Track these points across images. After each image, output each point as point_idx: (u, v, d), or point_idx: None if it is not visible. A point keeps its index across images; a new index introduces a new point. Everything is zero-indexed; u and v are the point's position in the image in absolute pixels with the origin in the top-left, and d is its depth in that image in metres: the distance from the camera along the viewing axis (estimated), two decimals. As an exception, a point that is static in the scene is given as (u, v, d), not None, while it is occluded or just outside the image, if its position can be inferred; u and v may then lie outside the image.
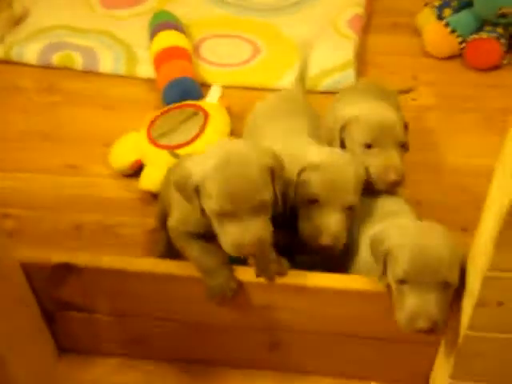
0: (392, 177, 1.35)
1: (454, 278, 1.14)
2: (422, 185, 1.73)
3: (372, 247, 1.22)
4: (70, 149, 1.91)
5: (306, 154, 1.30)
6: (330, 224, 1.24)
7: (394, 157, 1.37)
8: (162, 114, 1.84)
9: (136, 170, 1.80)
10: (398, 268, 1.15)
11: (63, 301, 1.38)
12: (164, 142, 1.76)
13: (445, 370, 1.28)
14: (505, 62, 2.12)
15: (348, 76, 2.04)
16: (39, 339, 1.35)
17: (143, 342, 1.46)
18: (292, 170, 1.27)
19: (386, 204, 1.36)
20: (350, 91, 1.66)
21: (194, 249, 1.27)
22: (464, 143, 1.89)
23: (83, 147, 1.92)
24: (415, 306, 1.13)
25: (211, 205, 1.12)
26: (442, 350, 1.31)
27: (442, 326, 1.14)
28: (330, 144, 1.42)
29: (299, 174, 1.27)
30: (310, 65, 1.82)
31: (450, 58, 2.20)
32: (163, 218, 1.43)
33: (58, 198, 1.78)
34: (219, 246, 1.18)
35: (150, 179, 1.72)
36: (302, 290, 1.28)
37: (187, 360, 1.48)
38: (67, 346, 1.47)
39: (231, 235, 1.12)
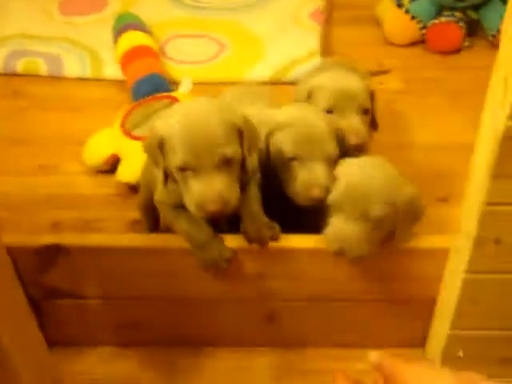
0: (353, 140, 1.35)
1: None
2: (394, 163, 1.75)
3: None
4: (41, 150, 1.88)
5: (274, 116, 1.30)
6: (317, 176, 1.23)
7: (354, 121, 1.37)
8: (134, 107, 1.82)
9: (111, 166, 1.77)
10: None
11: (51, 287, 1.34)
12: (139, 132, 1.74)
13: (444, 322, 1.28)
14: (465, 44, 2.17)
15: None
16: (30, 330, 1.31)
17: (134, 327, 1.43)
18: (261, 134, 1.26)
19: None
20: (318, 66, 1.69)
21: (182, 222, 1.25)
22: (432, 122, 1.93)
23: (55, 148, 1.88)
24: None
25: (174, 160, 1.11)
26: (440, 300, 1.31)
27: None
28: None
29: (268, 136, 1.27)
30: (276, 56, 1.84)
31: (413, 44, 2.24)
32: (149, 203, 1.41)
33: (34, 199, 1.73)
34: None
35: (128, 171, 1.70)
36: (293, 253, 1.27)
37: (181, 343, 1.45)
38: (55, 338, 1.41)
39: (193, 193, 1.11)
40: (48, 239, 1.29)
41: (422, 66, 2.16)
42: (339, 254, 1.20)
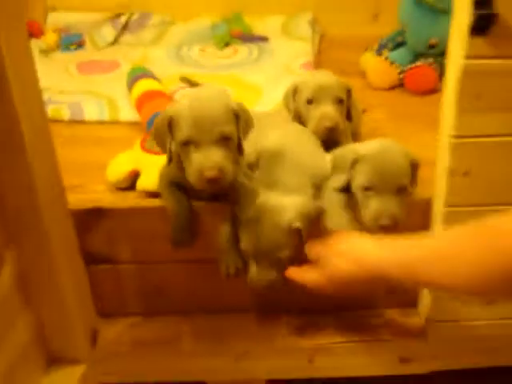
0: (326, 124, 1.61)
1: (407, 181, 1.42)
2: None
3: (336, 161, 1.45)
4: (66, 174, 2.08)
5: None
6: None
7: (328, 108, 1.66)
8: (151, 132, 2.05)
9: (131, 183, 1.97)
10: (364, 177, 1.40)
11: (89, 252, 1.52)
12: (158, 148, 1.96)
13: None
14: (440, 85, 2.46)
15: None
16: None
17: (163, 293, 1.58)
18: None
19: None
20: None
21: (169, 197, 1.49)
22: (410, 141, 2.15)
23: (79, 171, 2.09)
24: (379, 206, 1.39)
25: (180, 135, 1.34)
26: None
27: (401, 223, 1.39)
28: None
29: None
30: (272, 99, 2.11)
31: (393, 88, 2.53)
32: None
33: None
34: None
35: (147, 180, 1.89)
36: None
37: (210, 310, 1.61)
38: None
39: (194, 163, 1.33)
40: (87, 203, 1.48)
41: (401, 104, 2.43)
42: (388, 229, 1.38)
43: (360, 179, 1.44)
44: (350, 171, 1.46)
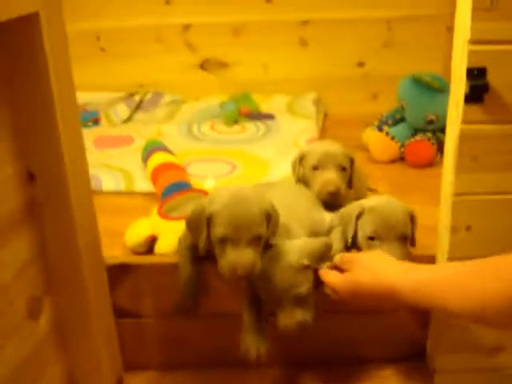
0: (329, 188, 1.76)
1: (408, 231, 1.55)
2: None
3: (343, 215, 1.60)
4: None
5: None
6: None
7: (332, 175, 1.79)
8: (169, 198, 2.18)
9: (148, 248, 2.07)
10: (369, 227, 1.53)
11: (114, 306, 1.61)
12: (175, 215, 2.07)
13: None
14: (438, 158, 2.61)
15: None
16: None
17: (183, 346, 1.66)
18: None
19: None
20: None
21: (183, 263, 1.62)
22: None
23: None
24: None
25: (218, 231, 1.47)
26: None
27: None
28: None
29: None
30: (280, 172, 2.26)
31: (394, 161, 2.67)
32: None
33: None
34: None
35: (165, 244, 2.00)
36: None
37: (229, 363, 1.68)
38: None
39: (229, 258, 1.45)
40: (114, 260, 1.58)
41: (402, 176, 2.57)
42: None
43: (365, 229, 1.56)
44: (355, 223, 1.58)
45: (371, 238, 1.55)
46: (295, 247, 1.51)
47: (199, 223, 1.51)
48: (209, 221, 1.49)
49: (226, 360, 1.69)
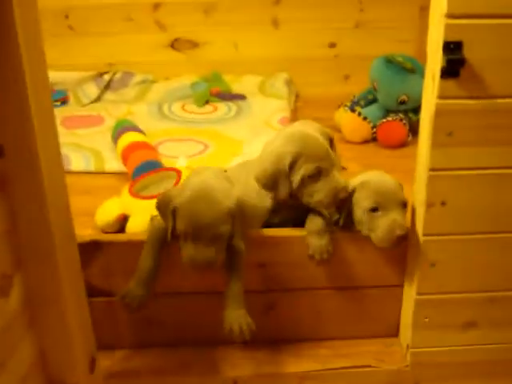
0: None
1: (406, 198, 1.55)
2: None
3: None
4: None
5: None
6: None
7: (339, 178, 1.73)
8: (140, 178, 2.15)
9: (120, 226, 2.05)
10: (367, 201, 1.50)
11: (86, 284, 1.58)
12: (147, 193, 2.05)
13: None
14: (409, 139, 2.61)
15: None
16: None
17: (155, 324, 1.65)
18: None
19: None
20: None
21: (147, 253, 1.58)
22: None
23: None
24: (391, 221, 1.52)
25: (180, 226, 1.49)
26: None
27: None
28: None
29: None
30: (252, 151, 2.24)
31: (366, 142, 2.67)
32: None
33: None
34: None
35: (136, 224, 1.98)
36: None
37: (199, 341, 1.69)
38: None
39: (189, 253, 1.47)
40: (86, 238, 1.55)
41: (374, 156, 2.57)
42: (403, 238, 1.51)
43: (364, 204, 1.57)
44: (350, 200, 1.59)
45: (373, 210, 1.55)
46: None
47: (165, 213, 1.52)
48: (174, 213, 1.50)
49: (198, 338, 1.68)
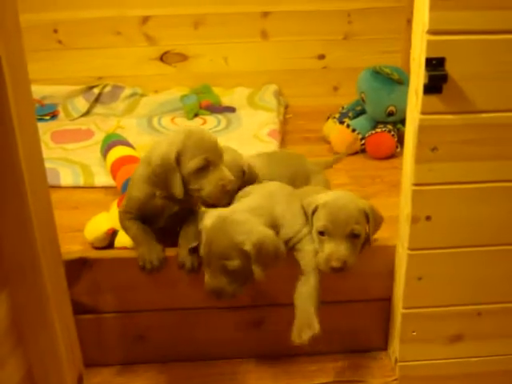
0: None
1: (360, 229, 1.52)
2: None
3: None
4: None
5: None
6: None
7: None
8: (127, 194, 2.14)
9: (109, 241, 2.05)
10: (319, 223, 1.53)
11: (73, 302, 1.58)
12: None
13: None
14: (398, 150, 2.62)
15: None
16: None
17: (143, 341, 1.65)
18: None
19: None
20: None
21: (133, 227, 1.63)
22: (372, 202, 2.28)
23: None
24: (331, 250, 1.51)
25: (191, 164, 1.54)
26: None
27: (351, 266, 1.51)
28: None
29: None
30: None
31: (354, 153, 2.68)
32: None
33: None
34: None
35: (125, 239, 1.97)
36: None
37: (189, 358, 1.69)
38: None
39: (216, 178, 1.55)
40: (74, 255, 1.55)
41: (363, 168, 2.58)
42: (339, 270, 1.50)
43: (317, 224, 1.55)
44: (311, 218, 1.58)
45: (321, 233, 1.54)
46: (248, 230, 1.49)
47: (168, 169, 1.54)
48: (178, 160, 1.54)
49: (187, 354, 1.68)
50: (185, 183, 1.57)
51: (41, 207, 1.30)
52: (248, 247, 1.45)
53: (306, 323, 1.49)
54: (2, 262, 1.25)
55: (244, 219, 1.50)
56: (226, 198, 1.59)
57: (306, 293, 1.52)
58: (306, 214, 1.60)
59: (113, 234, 2.04)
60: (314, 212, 1.57)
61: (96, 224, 2.07)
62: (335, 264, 1.50)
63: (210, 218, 1.51)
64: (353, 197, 1.60)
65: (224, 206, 1.59)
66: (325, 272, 1.53)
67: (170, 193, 1.58)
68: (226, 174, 1.57)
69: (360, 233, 1.53)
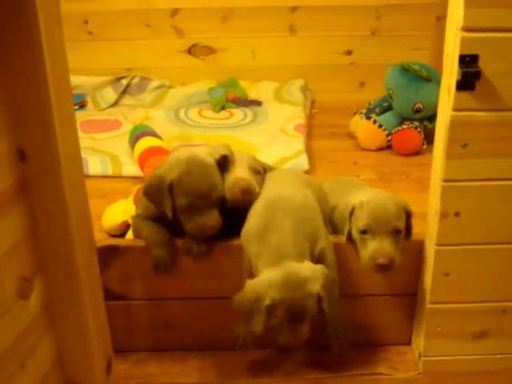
0: None
1: (401, 225, 1.54)
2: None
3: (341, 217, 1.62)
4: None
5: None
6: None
7: None
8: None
9: (123, 231, 2.06)
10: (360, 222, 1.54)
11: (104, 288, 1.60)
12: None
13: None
14: (424, 147, 2.62)
15: (302, 160, 2.46)
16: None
17: (171, 328, 1.67)
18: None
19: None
20: None
21: (145, 229, 1.64)
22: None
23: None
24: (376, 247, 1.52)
25: (179, 200, 1.54)
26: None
27: (398, 264, 1.51)
28: None
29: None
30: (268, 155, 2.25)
31: (381, 149, 2.69)
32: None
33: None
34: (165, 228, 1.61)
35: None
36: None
37: (216, 346, 1.72)
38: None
39: (198, 222, 1.55)
40: (103, 242, 1.58)
41: (389, 164, 2.58)
42: (386, 268, 1.51)
43: (358, 224, 1.56)
44: (350, 220, 1.59)
45: (363, 232, 1.55)
46: (314, 276, 1.47)
47: (161, 193, 1.55)
48: (170, 190, 1.54)
49: (213, 343, 1.70)
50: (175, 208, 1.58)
51: (77, 195, 1.33)
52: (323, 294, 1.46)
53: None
54: (39, 248, 1.28)
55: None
56: (206, 237, 1.59)
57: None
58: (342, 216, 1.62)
59: (126, 227, 2.06)
60: (351, 213, 1.58)
61: (111, 215, 2.11)
62: (382, 261, 1.50)
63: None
64: (390, 194, 1.62)
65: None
66: (370, 270, 1.54)
67: (161, 211, 1.60)
68: (210, 219, 1.56)
69: (401, 229, 1.55)
